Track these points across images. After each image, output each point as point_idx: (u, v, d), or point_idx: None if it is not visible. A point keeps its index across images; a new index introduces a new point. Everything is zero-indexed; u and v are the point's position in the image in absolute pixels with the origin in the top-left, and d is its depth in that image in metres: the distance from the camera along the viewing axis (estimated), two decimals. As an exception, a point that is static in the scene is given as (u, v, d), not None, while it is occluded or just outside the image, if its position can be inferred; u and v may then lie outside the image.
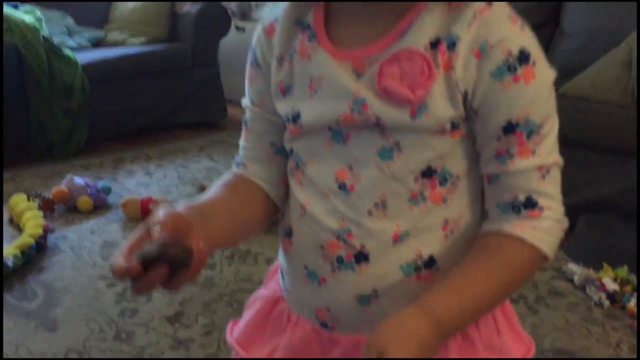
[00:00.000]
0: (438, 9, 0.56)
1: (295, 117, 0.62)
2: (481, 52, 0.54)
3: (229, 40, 3.53)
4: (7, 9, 2.75)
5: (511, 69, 0.53)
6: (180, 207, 0.59)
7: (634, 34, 1.97)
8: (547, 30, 2.54)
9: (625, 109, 1.87)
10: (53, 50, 2.77)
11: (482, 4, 0.55)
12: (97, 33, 3.34)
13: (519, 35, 0.55)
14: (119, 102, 3.09)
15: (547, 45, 2.51)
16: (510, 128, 0.55)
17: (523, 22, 0.56)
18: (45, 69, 2.70)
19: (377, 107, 0.56)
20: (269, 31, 0.65)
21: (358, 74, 0.58)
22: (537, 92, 0.55)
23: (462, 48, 0.54)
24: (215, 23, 3.33)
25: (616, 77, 1.87)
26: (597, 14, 2.37)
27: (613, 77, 1.87)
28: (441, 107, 0.55)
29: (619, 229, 1.88)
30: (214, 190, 0.67)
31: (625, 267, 1.73)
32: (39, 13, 2.89)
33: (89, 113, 2.90)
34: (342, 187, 0.60)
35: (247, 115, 0.69)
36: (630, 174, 1.88)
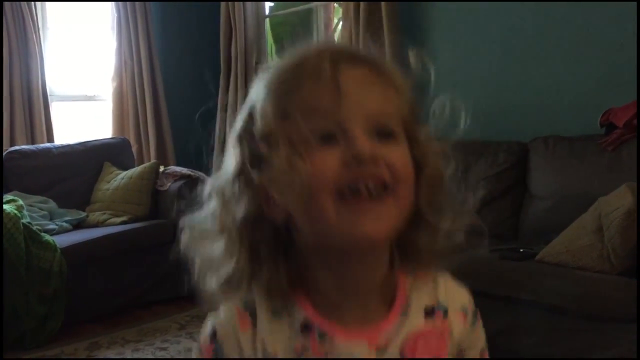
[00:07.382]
0: (412, 278, 0.64)
1: None
2: (464, 314, 0.67)
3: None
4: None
5: (475, 316, 0.69)
6: None
7: (601, 199, 2.03)
8: (517, 192, 2.63)
9: (605, 275, 1.86)
10: (32, 237, 2.76)
11: (434, 269, 0.66)
12: (79, 215, 3.37)
13: (470, 294, 0.69)
14: (98, 283, 3.03)
15: (518, 208, 2.58)
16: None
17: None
18: (22, 256, 2.67)
19: None
20: (244, 325, 0.61)
21: (378, 348, 0.61)
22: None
23: (452, 314, 0.65)
24: (196, 198, 3.40)
25: (589, 243, 1.89)
26: (562, 178, 2.47)
27: (586, 244, 1.90)
28: None
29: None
30: None
31: None
32: (20, 202, 2.93)
33: (65, 297, 2.83)
34: None
35: None
36: (626, 340, 1.82)
